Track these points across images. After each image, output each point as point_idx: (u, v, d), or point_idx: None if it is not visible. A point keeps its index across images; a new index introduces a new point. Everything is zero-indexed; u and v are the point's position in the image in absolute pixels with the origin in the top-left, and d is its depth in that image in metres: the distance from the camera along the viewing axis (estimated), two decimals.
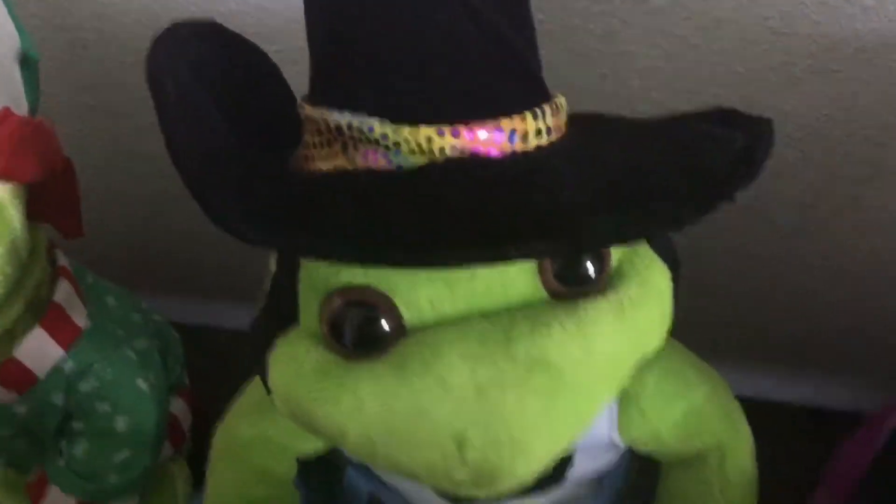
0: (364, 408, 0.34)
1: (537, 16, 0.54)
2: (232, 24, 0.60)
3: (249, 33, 0.60)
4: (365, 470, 0.52)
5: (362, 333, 0.35)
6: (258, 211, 0.33)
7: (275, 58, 0.61)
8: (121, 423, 0.54)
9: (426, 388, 0.33)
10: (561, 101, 0.38)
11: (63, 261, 0.56)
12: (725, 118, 0.39)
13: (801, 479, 0.64)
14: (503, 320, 0.34)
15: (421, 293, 0.35)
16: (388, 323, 0.35)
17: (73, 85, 0.69)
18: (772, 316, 0.71)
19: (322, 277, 0.36)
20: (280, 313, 0.38)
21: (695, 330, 0.65)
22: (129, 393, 0.54)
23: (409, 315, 0.35)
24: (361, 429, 0.35)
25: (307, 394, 0.35)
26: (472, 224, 0.31)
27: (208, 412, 0.66)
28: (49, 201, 0.54)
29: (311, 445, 0.51)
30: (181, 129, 0.33)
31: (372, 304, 0.35)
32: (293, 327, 0.38)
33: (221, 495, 0.52)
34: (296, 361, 0.36)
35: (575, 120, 0.40)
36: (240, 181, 0.34)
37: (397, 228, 0.31)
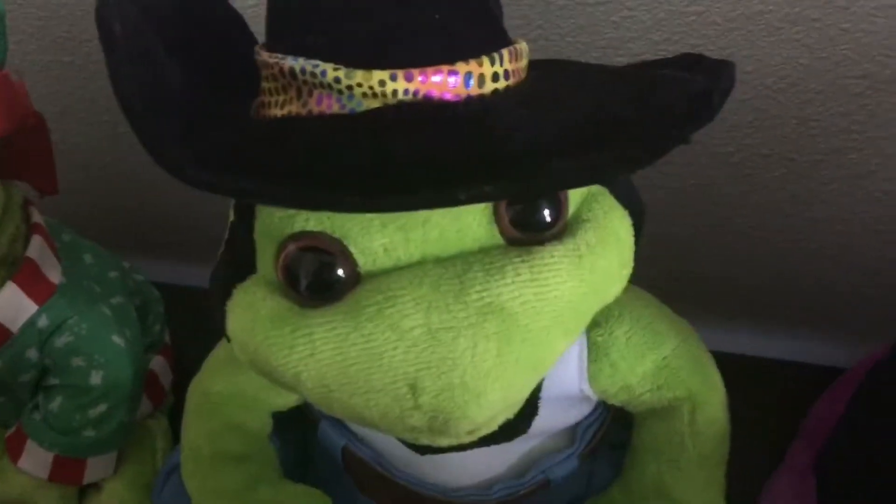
0: (318, 353, 0.34)
1: None
2: None
3: None
4: (338, 423, 0.52)
5: (317, 280, 0.35)
6: (206, 155, 0.32)
7: (250, 12, 0.61)
8: (96, 378, 0.54)
9: (379, 333, 0.33)
10: (522, 46, 0.38)
11: (38, 218, 0.56)
12: (690, 63, 0.39)
13: (778, 433, 0.64)
14: (457, 266, 0.34)
15: (375, 240, 0.34)
16: (342, 269, 0.35)
17: (50, 41, 0.69)
18: (749, 269, 0.71)
19: (277, 224, 0.35)
20: (238, 262, 0.38)
21: (673, 284, 0.65)
22: (104, 348, 0.55)
23: (363, 261, 0.35)
24: (316, 374, 0.35)
25: (263, 340, 0.35)
26: (421, 167, 0.31)
27: (190, 370, 0.67)
28: (21, 158, 0.54)
29: (284, 399, 0.51)
30: (128, 73, 0.33)
31: (326, 251, 0.35)
32: (251, 276, 0.37)
33: (195, 449, 0.52)
34: (252, 309, 0.36)
35: (537, 66, 0.40)
36: (189, 126, 0.34)
37: (346, 173, 0.31)
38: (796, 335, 0.75)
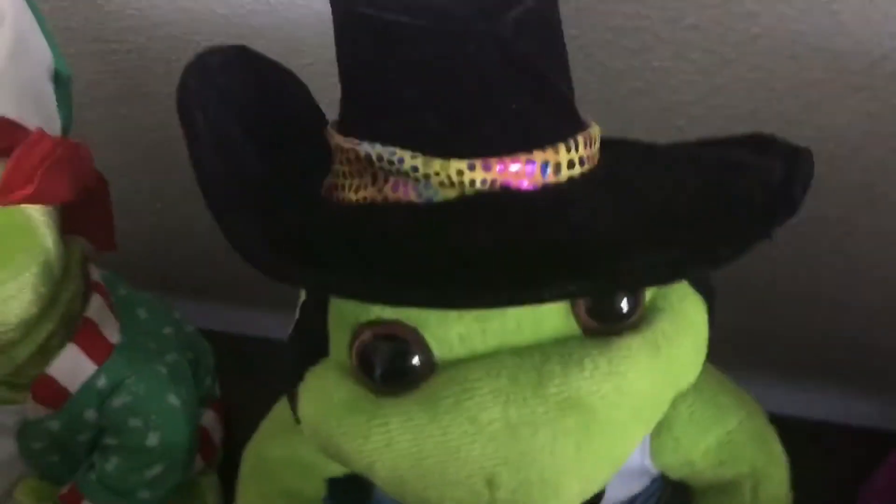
0: (394, 444, 0.34)
1: (570, 31, 0.54)
2: (263, 38, 0.60)
3: (280, 47, 0.60)
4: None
5: (392, 368, 0.35)
6: (280, 242, 0.33)
7: (307, 71, 0.61)
8: (152, 439, 0.54)
9: (457, 425, 0.33)
10: (595, 130, 0.38)
11: (96, 276, 0.56)
12: (762, 145, 0.39)
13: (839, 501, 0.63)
14: (535, 357, 0.34)
15: (451, 329, 0.34)
16: (418, 358, 0.35)
17: (106, 95, 0.70)
18: (811, 331, 0.70)
19: (351, 310, 0.35)
20: (310, 344, 0.38)
21: (734, 345, 0.64)
22: (160, 408, 0.55)
23: (439, 350, 0.35)
24: (391, 465, 0.34)
25: (337, 428, 0.35)
26: (502, 265, 0.31)
27: (239, 421, 0.67)
28: (82, 217, 0.54)
29: (339, 468, 0.51)
30: (210, 159, 0.33)
31: (402, 339, 0.35)
32: (323, 359, 0.37)
33: None
34: (325, 394, 0.36)
35: (608, 147, 0.39)
36: (264, 210, 0.34)
37: (423, 269, 0.31)
38: (851, 398, 0.74)
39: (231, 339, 0.77)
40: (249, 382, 0.66)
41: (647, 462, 0.47)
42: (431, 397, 0.34)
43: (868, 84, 0.53)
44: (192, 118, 0.34)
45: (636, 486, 0.50)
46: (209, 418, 0.64)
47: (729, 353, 0.50)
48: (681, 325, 0.36)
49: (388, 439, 0.34)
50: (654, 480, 0.51)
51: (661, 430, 0.46)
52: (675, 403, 0.46)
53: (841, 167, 0.58)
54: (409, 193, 0.34)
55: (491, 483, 0.33)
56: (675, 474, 0.48)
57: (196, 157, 0.33)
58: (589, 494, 0.36)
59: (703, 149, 0.40)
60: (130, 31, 0.64)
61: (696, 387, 0.47)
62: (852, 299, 0.67)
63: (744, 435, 0.48)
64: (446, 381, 0.34)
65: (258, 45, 0.61)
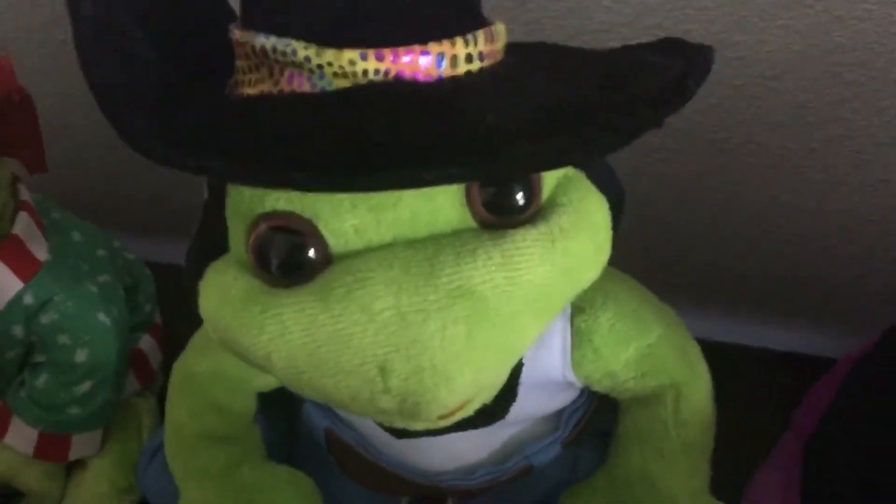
0: (287, 334, 0.34)
1: None
2: None
3: None
4: (322, 405, 0.52)
5: (287, 260, 0.35)
6: (175, 135, 0.32)
7: None
8: (81, 356, 0.54)
9: (349, 314, 0.33)
10: (499, 27, 0.37)
11: (25, 195, 0.56)
12: (669, 47, 0.38)
13: (769, 424, 0.64)
14: (428, 248, 0.34)
15: (346, 221, 0.34)
16: (313, 250, 0.34)
17: (45, 20, 0.69)
18: (744, 258, 0.71)
19: (247, 203, 0.35)
20: (210, 240, 0.38)
21: (667, 273, 0.65)
22: (89, 326, 0.55)
23: (334, 242, 0.35)
24: (286, 355, 0.34)
25: (233, 320, 0.35)
26: (387, 148, 0.31)
27: (180, 350, 0.67)
28: (8, 134, 0.54)
29: (268, 380, 0.51)
30: (96, 51, 0.33)
31: (297, 231, 0.34)
32: (223, 255, 0.37)
33: (179, 429, 0.52)
34: (223, 288, 0.36)
35: (517, 48, 0.39)
36: (160, 104, 0.33)
37: (311, 152, 0.31)
38: (790, 326, 0.74)
39: (174, 269, 0.77)
40: (192, 311, 0.66)
41: (569, 374, 0.47)
42: (325, 287, 0.34)
43: (800, 1, 0.52)
44: (77, 6, 0.33)
45: (561, 400, 0.51)
46: (147, 342, 0.64)
47: (670, 284, 0.51)
48: (579, 222, 0.36)
49: (283, 329, 0.34)
50: (579, 395, 0.52)
51: (582, 342, 0.46)
52: (595, 315, 0.46)
53: (775, 88, 0.58)
54: (303, 85, 0.34)
55: (384, 370, 0.33)
56: (597, 386, 0.49)
57: (80, 45, 0.33)
58: (484, 386, 0.36)
59: (613, 52, 0.40)
60: None
61: (618, 299, 0.47)
62: (790, 227, 0.67)
63: (664, 348, 0.48)
64: (340, 272, 0.34)
65: None
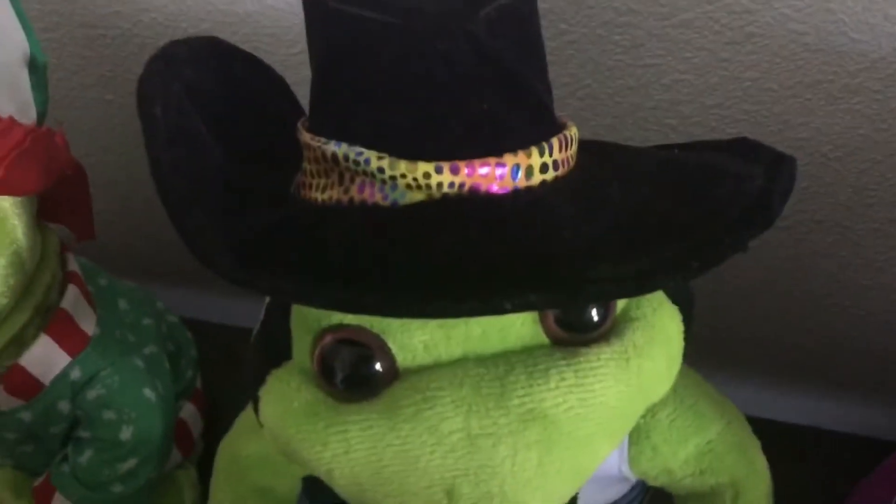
0: (352, 451, 0.33)
1: (560, 26, 0.53)
2: (248, 26, 0.59)
3: (267, 34, 0.59)
4: None
5: (354, 374, 0.34)
6: (238, 244, 0.31)
7: (293, 60, 0.60)
8: (126, 433, 0.53)
9: (416, 435, 0.32)
10: (572, 132, 0.36)
11: (73, 266, 0.56)
12: (746, 150, 0.37)
13: None
14: (499, 367, 0.33)
15: (415, 336, 0.33)
16: (380, 364, 0.34)
17: (94, 79, 0.69)
18: (797, 333, 0.69)
19: (314, 315, 0.34)
20: (273, 347, 0.37)
21: (719, 346, 0.63)
22: (135, 402, 0.54)
23: (402, 357, 0.34)
24: (349, 472, 0.34)
25: (296, 433, 0.34)
26: (462, 272, 0.30)
27: (221, 413, 0.66)
28: (60, 205, 0.54)
29: None
30: (167, 159, 0.32)
31: (364, 345, 0.34)
32: (286, 363, 0.36)
33: None
34: (286, 399, 0.35)
35: (587, 148, 0.38)
36: (224, 208, 0.33)
37: (380, 274, 0.30)
38: (845, 404, 0.72)
39: (215, 328, 0.76)
40: (232, 373, 0.65)
41: (625, 469, 0.46)
42: (392, 405, 0.33)
43: (865, 86, 0.51)
44: (150, 111, 0.33)
45: (614, 493, 0.49)
46: (189, 411, 0.63)
47: (718, 357, 0.49)
48: (653, 337, 0.35)
49: (347, 447, 0.33)
50: (633, 487, 0.50)
51: (639, 438, 0.45)
52: (654, 410, 0.45)
53: (837, 169, 0.56)
54: (374, 195, 0.33)
55: (451, 494, 0.32)
56: (653, 482, 0.47)
57: (152, 151, 0.32)
58: None
59: (686, 153, 0.39)
60: (117, 17, 0.63)
61: (677, 394, 0.46)
62: (847, 303, 0.66)
63: (724, 444, 0.46)
64: (408, 389, 0.33)
65: (244, 32, 0.60)
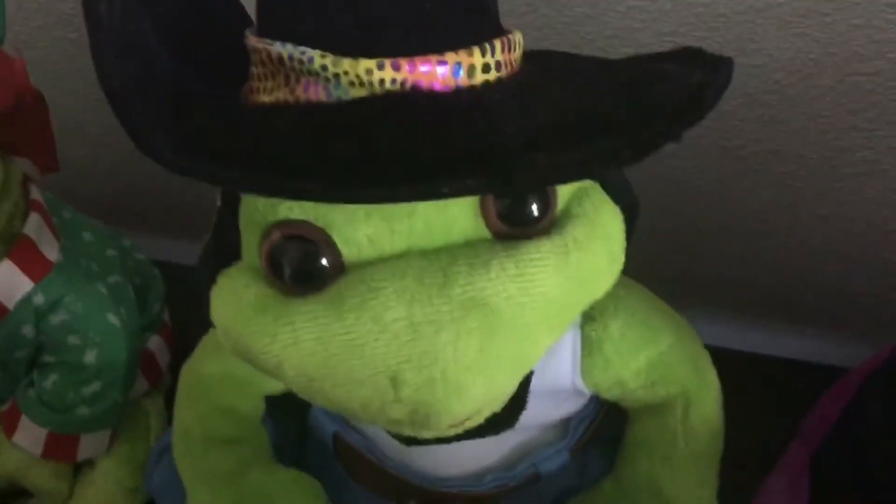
0: (300, 342, 0.34)
1: None
2: None
3: None
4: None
5: (301, 268, 0.35)
6: (187, 142, 0.32)
7: None
8: (90, 357, 0.54)
9: (361, 324, 0.33)
10: (516, 36, 0.37)
11: (37, 195, 0.56)
12: (688, 57, 0.38)
13: (778, 433, 0.63)
14: (442, 259, 0.34)
15: (359, 230, 0.34)
16: (326, 259, 0.34)
17: (56, 18, 0.69)
18: (755, 266, 0.70)
19: (260, 212, 0.35)
20: (223, 248, 0.38)
21: (678, 280, 0.65)
22: (99, 327, 0.55)
23: (347, 251, 0.34)
24: (298, 363, 0.34)
25: (245, 328, 0.35)
26: (404, 160, 0.30)
27: (188, 351, 0.66)
28: (21, 134, 0.54)
29: (276, 383, 0.51)
30: (111, 57, 0.32)
31: (311, 240, 0.34)
32: (236, 262, 0.37)
33: (186, 431, 0.52)
34: (235, 296, 0.36)
35: (534, 57, 0.39)
36: (173, 111, 0.33)
37: (327, 163, 0.31)
38: (801, 334, 0.74)
39: (185, 270, 0.76)
40: (201, 313, 0.65)
41: (578, 381, 0.47)
42: (338, 297, 0.34)
43: (815, 9, 0.52)
44: (94, 9, 0.33)
45: (568, 407, 0.50)
46: (156, 343, 0.64)
47: (688, 297, 0.50)
48: (594, 232, 0.36)
49: (295, 338, 0.34)
50: (587, 403, 0.52)
51: (591, 350, 0.46)
52: (605, 322, 0.46)
53: (790, 96, 0.57)
54: (319, 93, 0.34)
55: (395, 381, 0.33)
56: (606, 394, 0.49)
57: (96, 50, 0.32)
58: (495, 397, 0.36)
59: (631, 61, 0.40)
60: None
61: (629, 307, 0.47)
62: (799, 236, 0.67)
63: (675, 356, 0.48)
64: (353, 281, 0.34)
65: None
